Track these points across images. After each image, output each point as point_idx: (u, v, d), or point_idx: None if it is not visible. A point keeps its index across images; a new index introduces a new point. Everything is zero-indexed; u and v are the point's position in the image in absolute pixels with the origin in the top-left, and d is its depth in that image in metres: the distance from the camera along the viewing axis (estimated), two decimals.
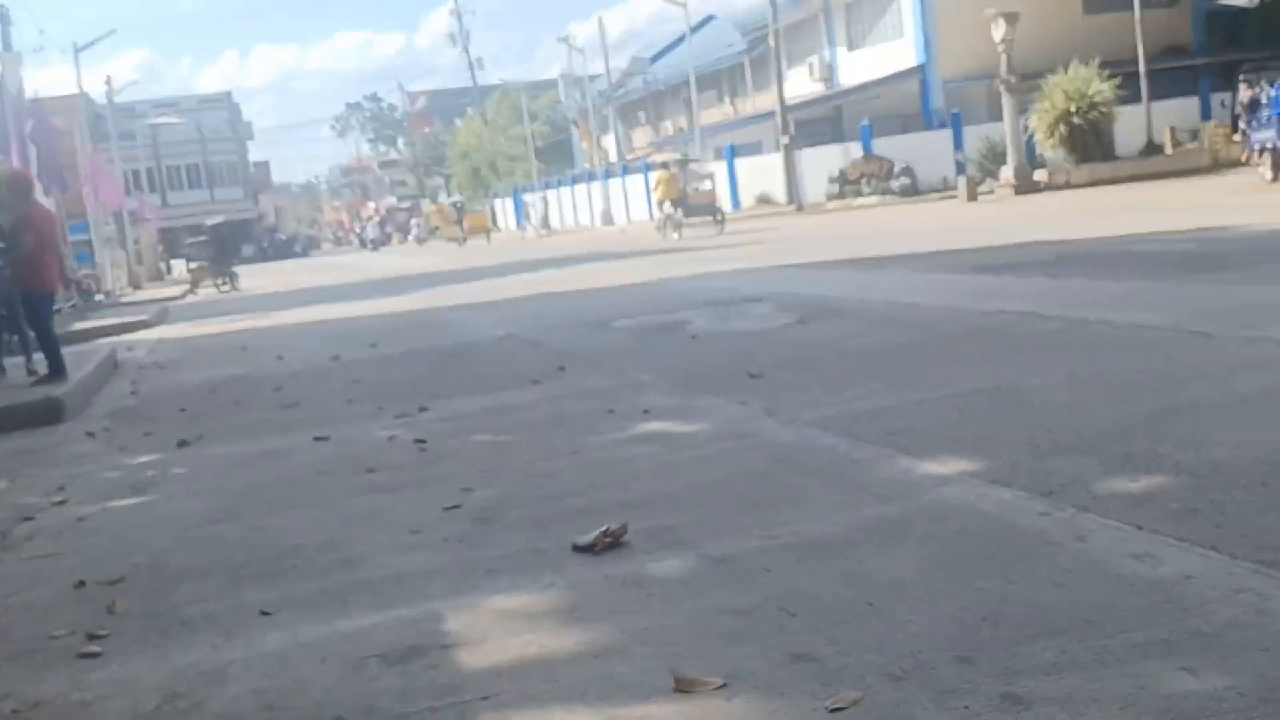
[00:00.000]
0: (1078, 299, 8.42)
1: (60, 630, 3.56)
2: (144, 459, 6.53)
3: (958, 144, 36.13)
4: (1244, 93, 23.94)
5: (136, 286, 38.65)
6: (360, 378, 8.94)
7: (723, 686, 2.60)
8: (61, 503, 5.54)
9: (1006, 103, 28.97)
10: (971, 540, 3.42)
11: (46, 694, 3.08)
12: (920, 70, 39.17)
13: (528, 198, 59.07)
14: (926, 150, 36.79)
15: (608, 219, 50.22)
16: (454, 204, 57.85)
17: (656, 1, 58.68)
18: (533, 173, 62.80)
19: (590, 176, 54.88)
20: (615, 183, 51.05)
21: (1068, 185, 27.90)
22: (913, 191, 35.44)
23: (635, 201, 48.05)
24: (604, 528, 3.80)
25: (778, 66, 39.46)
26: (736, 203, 43.19)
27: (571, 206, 57.01)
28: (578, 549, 3.76)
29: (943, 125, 37.73)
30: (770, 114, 41.96)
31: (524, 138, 65.73)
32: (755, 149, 45.03)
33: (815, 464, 4.55)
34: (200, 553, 4.31)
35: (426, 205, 70.05)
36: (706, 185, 33.20)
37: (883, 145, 37.45)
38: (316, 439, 6.41)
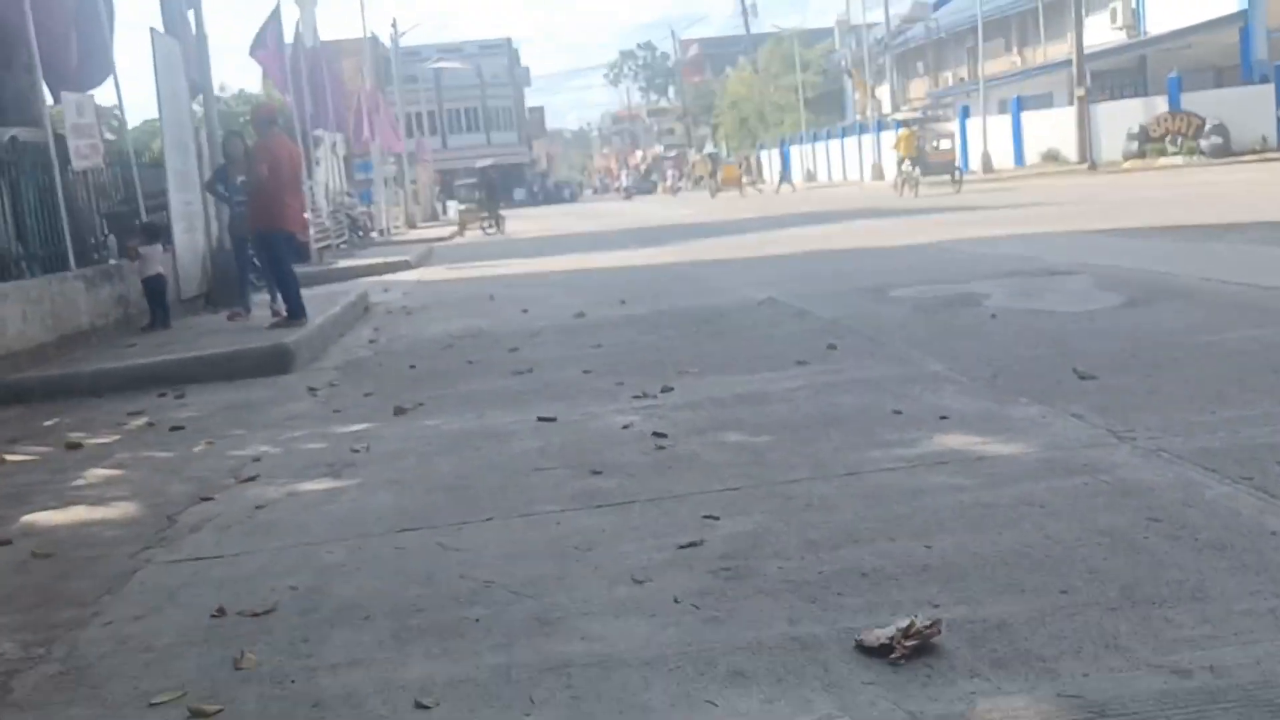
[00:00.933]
0: None
1: (164, 693, 2.69)
2: (354, 428, 5.78)
3: None
4: None
5: (412, 226, 39.85)
6: (603, 342, 8.00)
7: None
8: (250, 479, 4.81)
9: None
10: None
11: None
12: (1242, 17, 34.80)
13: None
14: (1243, 107, 32.66)
15: (878, 173, 47.90)
16: (709, 155, 56.92)
17: None
18: (801, 123, 60.91)
19: (862, 129, 52.55)
20: (889, 136, 48.52)
21: None
22: (1225, 152, 31.56)
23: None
24: (906, 622, 2.58)
25: (1077, 11, 35.99)
26: (1020, 159, 40.12)
27: (840, 159, 54.92)
28: (865, 649, 2.56)
29: (1264, 79, 33.37)
30: (1062, 64, 38.59)
31: (794, 87, 63.84)
32: (1044, 101, 41.61)
33: (1211, 531, 3.14)
34: (371, 578, 3.39)
35: (691, 155, 69.39)
36: (945, 144, 33.04)
37: (1192, 100, 33.57)
38: (541, 419, 5.46)
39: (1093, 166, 34.17)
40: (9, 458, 5.70)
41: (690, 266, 13.91)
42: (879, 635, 2.58)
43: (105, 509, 4.55)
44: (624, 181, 74.98)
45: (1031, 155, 39.54)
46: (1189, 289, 7.83)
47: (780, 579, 3.07)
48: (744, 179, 49.15)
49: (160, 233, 10.17)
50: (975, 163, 40.20)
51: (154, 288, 9.88)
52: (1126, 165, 33.17)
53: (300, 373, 7.99)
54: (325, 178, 30.26)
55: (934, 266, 10.94)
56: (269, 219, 9.31)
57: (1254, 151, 31.12)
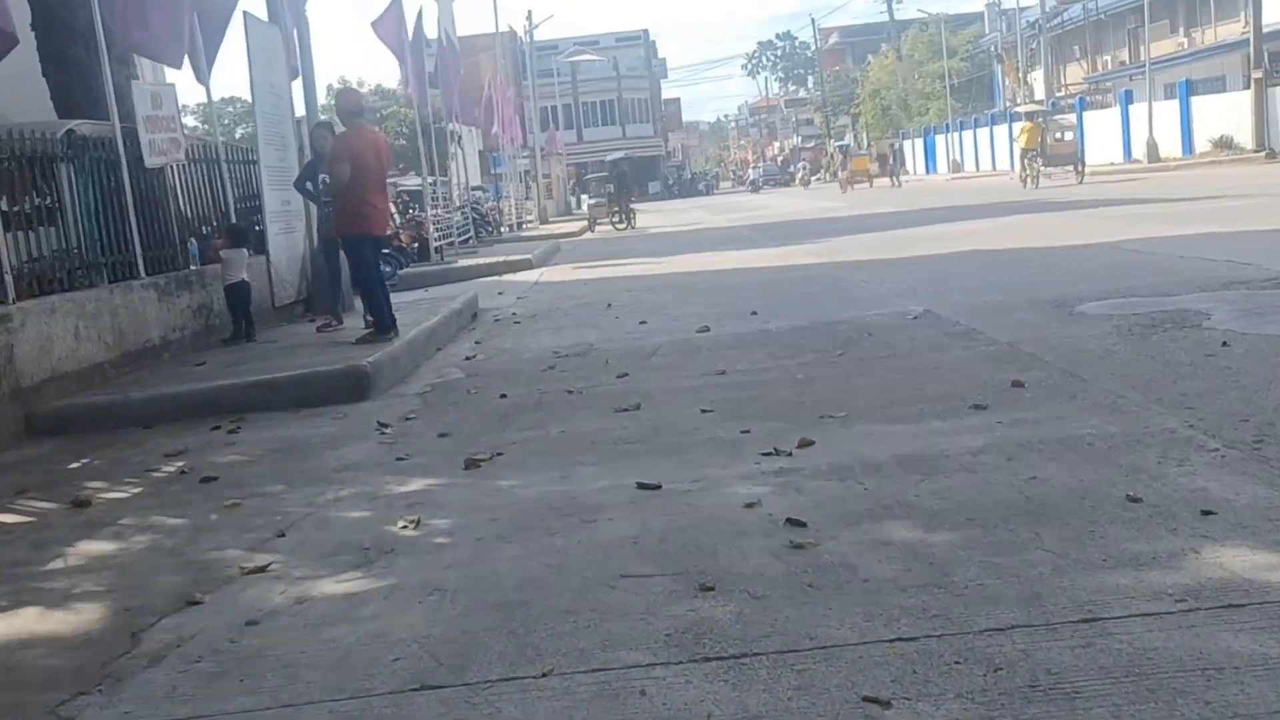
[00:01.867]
0: None
1: None
2: (414, 485, 4.65)
3: None
4: None
5: (544, 221, 39.16)
6: (728, 368, 6.71)
7: None
8: (262, 569, 3.70)
9: None
10: None
11: None
12: None
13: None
14: None
15: (1053, 160, 45.00)
16: (840, 147, 55.29)
17: None
18: (947, 111, 58.26)
19: (1012, 116, 49.72)
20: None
21: None
22: None
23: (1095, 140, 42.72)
24: None
25: None
26: (1188, 147, 37.15)
27: (990, 148, 52.20)
28: None
29: None
30: (1236, 44, 35.52)
31: (940, 74, 61.16)
32: (1215, 85, 38.51)
33: None
34: None
35: (830, 145, 67.27)
36: (1067, 136, 32.90)
37: None
38: (642, 486, 4.22)
39: (1271, 154, 31.25)
40: (4, 518, 4.74)
41: (829, 268, 12.49)
42: None
43: (63, 614, 3.48)
44: (751, 174, 73.19)
45: (1201, 142, 36.55)
46: None
47: None
48: (873, 170, 47.96)
49: (245, 236, 9.28)
50: (1139, 150, 37.49)
51: (237, 296, 8.99)
52: None
53: (379, 399, 6.93)
54: (457, 174, 29.75)
55: (1121, 273, 9.30)
56: (351, 223, 8.29)
57: None
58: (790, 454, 4.50)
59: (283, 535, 4.10)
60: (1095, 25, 51.03)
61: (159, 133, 8.57)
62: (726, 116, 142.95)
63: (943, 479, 3.94)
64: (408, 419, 6.23)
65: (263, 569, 3.70)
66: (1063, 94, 50.23)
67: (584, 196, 49.98)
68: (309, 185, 9.68)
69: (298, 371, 6.99)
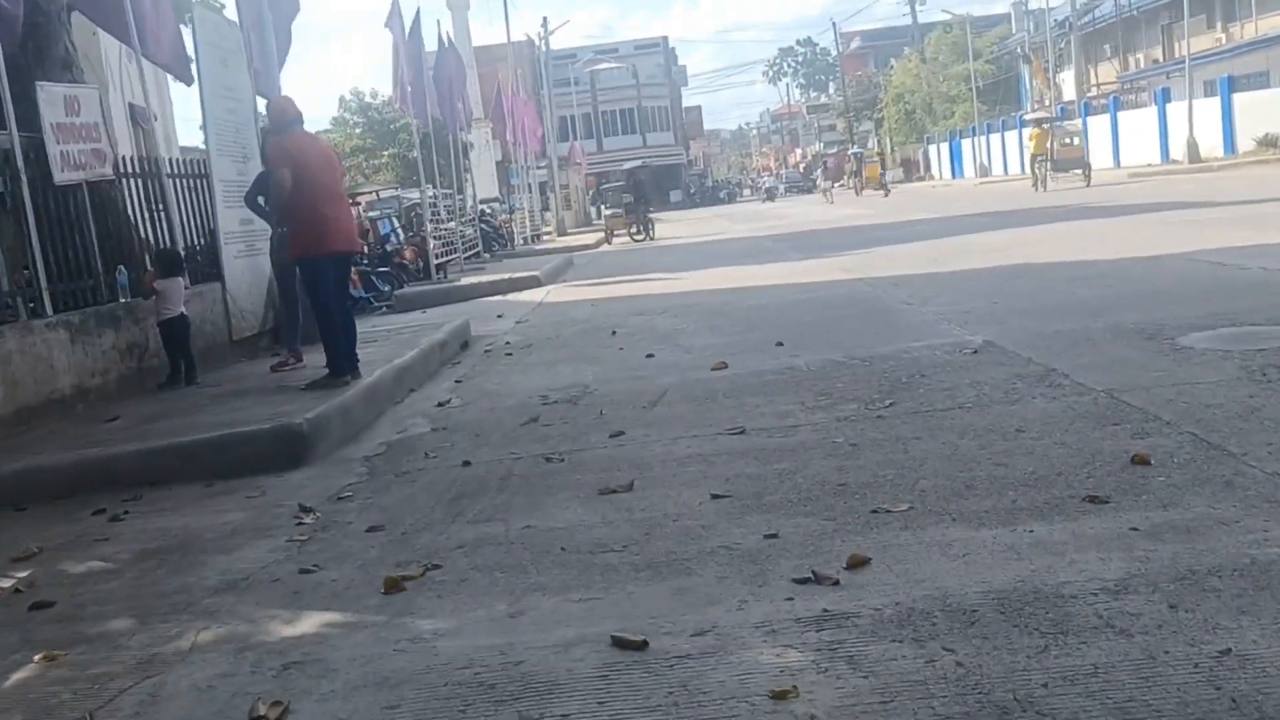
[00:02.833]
0: None
1: None
2: (303, 627, 3.31)
3: None
4: None
5: (562, 232, 37.90)
6: (750, 423, 5.34)
7: None
8: None
9: None
10: None
11: None
12: None
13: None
14: None
15: (1061, 165, 43.45)
16: (854, 154, 54.28)
17: None
18: (974, 114, 56.60)
19: (1021, 123, 48.05)
20: (1073, 124, 43.88)
21: None
22: None
23: (1097, 145, 41.09)
24: None
25: None
26: (1230, 146, 35.47)
27: (1018, 151, 50.52)
28: None
29: None
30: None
31: (965, 77, 59.50)
32: (1259, 81, 36.81)
33: None
34: None
35: (865, 149, 65.73)
36: (1073, 141, 33.76)
37: None
38: (619, 642, 2.86)
39: None
40: None
41: (863, 287, 11.09)
42: None
43: None
44: (767, 181, 71.99)
45: (1245, 141, 34.87)
46: None
47: None
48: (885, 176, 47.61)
49: (179, 262, 7.96)
50: (1178, 150, 35.86)
51: (173, 333, 7.69)
52: None
53: (317, 465, 5.60)
54: (470, 186, 28.52)
55: (1216, 293, 7.86)
56: (305, 243, 6.97)
57: None
58: (836, 581, 3.13)
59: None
60: (1127, 23, 49.36)
61: (74, 143, 7.28)
62: (748, 124, 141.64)
63: (1078, 650, 2.54)
64: (340, 498, 4.90)
65: None
66: (1094, 94, 48.54)
67: (603, 207, 48.79)
68: (260, 200, 8.34)
69: (216, 433, 5.65)
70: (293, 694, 2.80)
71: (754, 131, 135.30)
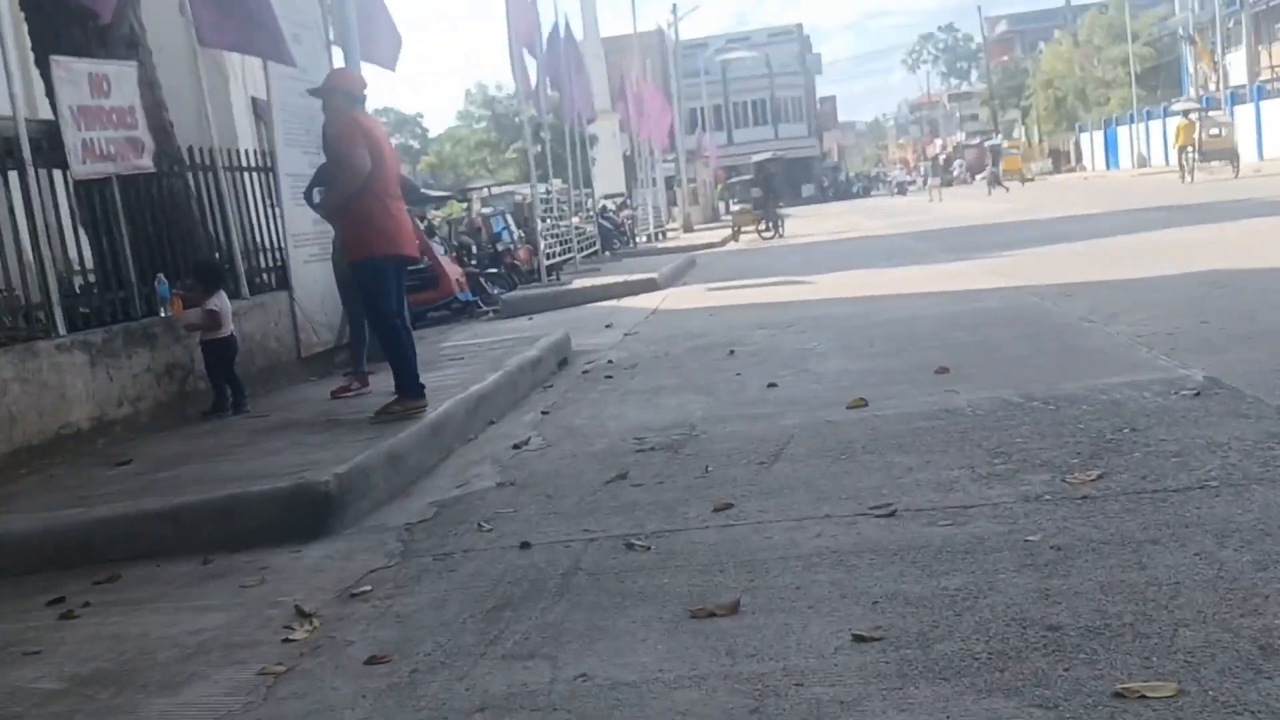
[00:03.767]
0: None
1: None
2: None
3: None
4: None
5: (688, 229, 36.64)
6: (901, 496, 3.95)
7: None
8: None
9: None
10: None
11: None
12: None
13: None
14: None
15: (1208, 156, 40.10)
16: (989, 146, 51.94)
17: None
18: (1132, 100, 53.17)
19: (1208, 102, 44.66)
20: (1243, 110, 40.46)
21: None
22: None
23: (1273, 131, 37.81)
24: None
25: None
26: None
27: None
28: None
29: None
30: None
31: (1122, 60, 55.98)
32: None
33: None
34: None
35: (1004, 142, 62.78)
36: (1221, 132, 32.84)
37: None
38: None
39: None
40: None
41: (1027, 296, 9.49)
42: None
43: None
44: (894, 176, 69.73)
45: None
46: None
47: None
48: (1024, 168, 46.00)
49: (221, 275, 6.91)
50: None
51: (220, 356, 6.66)
52: None
53: (345, 534, 4.43)
54: (593, 180, 27.48)
55: None
56: (367, 241, 5.84)
57: None
58: None
59: None
60: None
61: (101, 129, 6.28)
62: (885, 115, 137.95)
63: None
64: (354, 594, 3.70)
65: None
66: (1267, 77, 44.87)
67: (731, 202, 47.20)
68: (316, 195, 7.22)
69: (222, 493, 4.51)
70: None
71: (890, 122, 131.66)
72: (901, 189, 62.81)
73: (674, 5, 43.38)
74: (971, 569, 3.22)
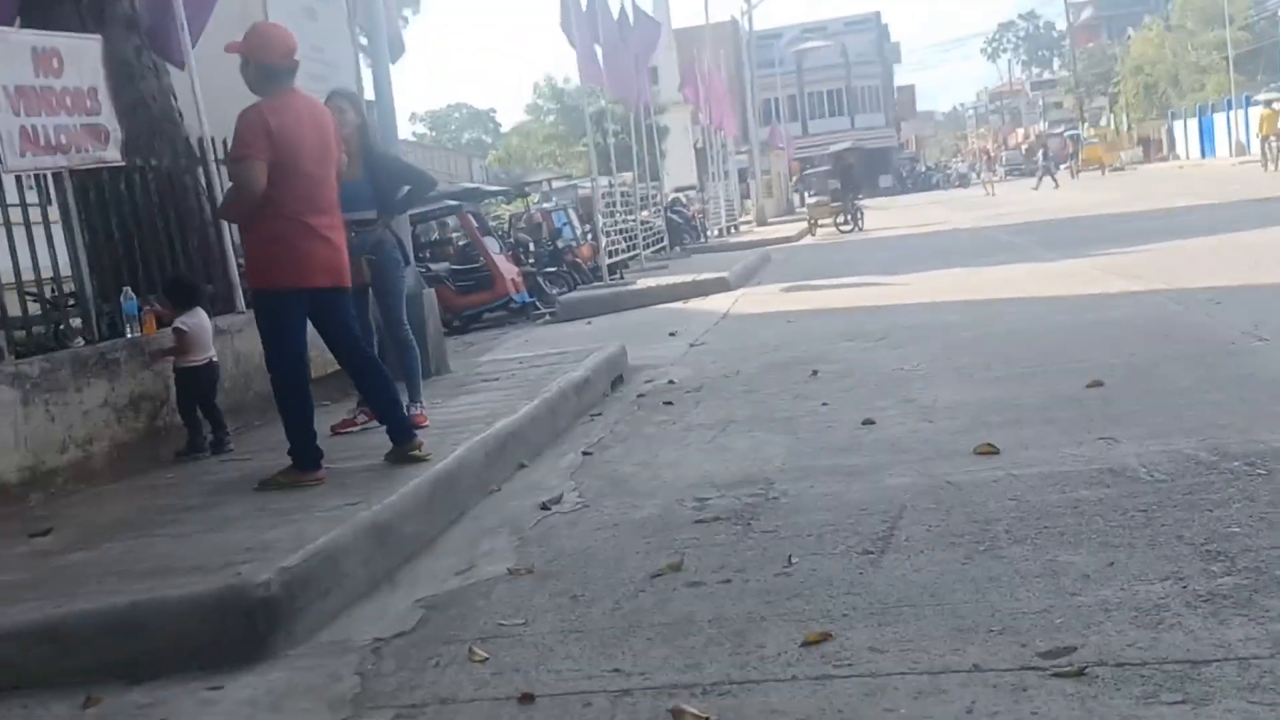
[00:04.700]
0: None
1: None
2: None
3: None
4: None
5: (761, 222, 35.29)
6: (1085, 639, 2.62)
7: None
8: None
9: None
10: None
11: None
12: None
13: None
14: None
15: None
16: (1070, 136, 49.93)
17: None
18: (1229, 86, 50.41)
19: (1248, 102, 42.03)
20: None
21: None
22: None
23: None
24: None
25: None
26: None
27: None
28: None
29: None
30: None
31: (1219, 44, 53.15)
32: None
33: None
34: None
35: (1087, 130, 60.28)
36: None
37: None
38: None
39: None
40: None
41: (1168, 304, 8.02)
42: None
43: None
44: (957, 167, 67.43)
45: None
46: None
47: None
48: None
49: (197, 292, 5.72)
50: None
51: (195, 386, 5.50)
52: None
53: (288, 660, 3.21)
54: (662, 173, 26.24)
55: None
56: (266, 268, 4.58)
57: None
58: None
59: None
60: None
61: (49, 115, 5.14)
62: (964, 104, 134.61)
63: None
64: None
65: None
66: None
67: (807, 194, 45.58)
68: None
69: (122, 600, 3.30)
70: None
71: (969, 112, 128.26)
72: (963, 181, 61.03)
73: None
74: None
